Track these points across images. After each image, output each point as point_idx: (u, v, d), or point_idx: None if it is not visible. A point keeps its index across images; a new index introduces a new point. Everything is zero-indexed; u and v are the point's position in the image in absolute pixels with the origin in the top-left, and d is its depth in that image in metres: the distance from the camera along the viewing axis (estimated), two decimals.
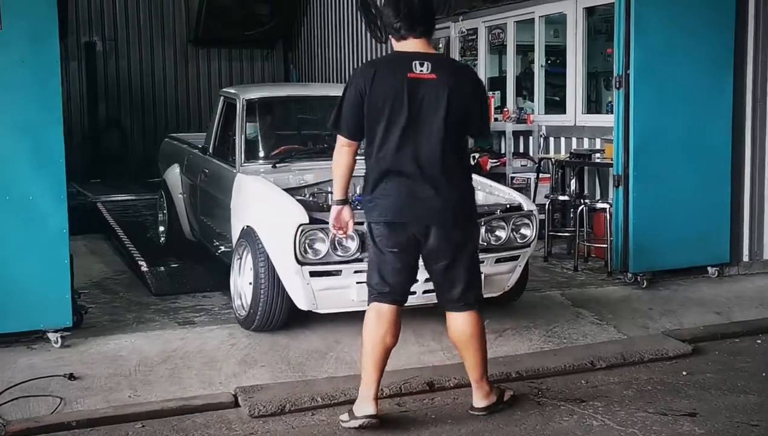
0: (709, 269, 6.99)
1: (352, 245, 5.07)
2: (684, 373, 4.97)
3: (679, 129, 6.62)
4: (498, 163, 9.76)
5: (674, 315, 6.04)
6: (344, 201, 4.23)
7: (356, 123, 4.06)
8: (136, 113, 16.93)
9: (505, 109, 10.14)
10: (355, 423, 4.11)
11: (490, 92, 10.65)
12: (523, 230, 5.52)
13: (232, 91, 7.17)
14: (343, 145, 4.14)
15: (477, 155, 9.98)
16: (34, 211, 4.99)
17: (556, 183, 8.32)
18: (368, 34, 13.53)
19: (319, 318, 5.66)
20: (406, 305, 4.29)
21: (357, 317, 5.69)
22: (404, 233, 4.07)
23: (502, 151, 9.75)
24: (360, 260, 5.04)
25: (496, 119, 10.11)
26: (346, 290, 5.15)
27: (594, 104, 9.78)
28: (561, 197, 7.85)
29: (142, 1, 17.25)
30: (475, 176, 5.86)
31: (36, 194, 5.00)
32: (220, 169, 6.63)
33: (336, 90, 5.22)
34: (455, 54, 11.46)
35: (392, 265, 4.12)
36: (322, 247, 5.04)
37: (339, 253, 5.08)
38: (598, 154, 7.76)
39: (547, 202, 7.91)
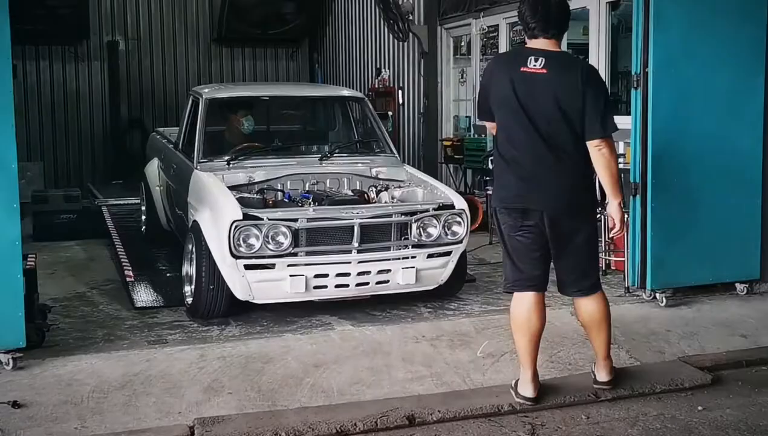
0: (737, 285, 6.38)
1: (285, 240, 5.40)
2: (699, 408, 4.43)
3: (704, 133, 6.02)
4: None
5: (695, 338, 5.47)
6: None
7: (482, 109, 4.46)
8: (158, 113, 16.63)
9: None
10: (515, 399, 4.42)
11: None
12: (454, 228, 5.83)
13: (198, 90, 7.55)
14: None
15: None
16: None
17: None
18: (388, 32, 13.10)
19: (300, 341, 5.23)
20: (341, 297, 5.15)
21: (339, 337, 5.32)
22: (526, 219, 4.28)
23: None
24: (293, 254, 5.46)
25: None
26: (281, 283, 5.47)
27: (625, 105, 9.18)
28: None
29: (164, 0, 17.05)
30: (417, 173, 6.66)
31: None
32: (184, 164, 6.84)
33: (305, 90, 6.12)
34: (476, 52, 10.95)
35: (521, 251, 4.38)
36: (256, 242, 5.36)
37: (271, 247, 5.39)
38: (619, 159, 7.18)
39: None
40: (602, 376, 4.59)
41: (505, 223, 4.37)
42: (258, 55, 17.84)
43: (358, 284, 5.62)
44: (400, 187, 6.44)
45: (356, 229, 5.56)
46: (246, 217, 5.39)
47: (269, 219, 5.43)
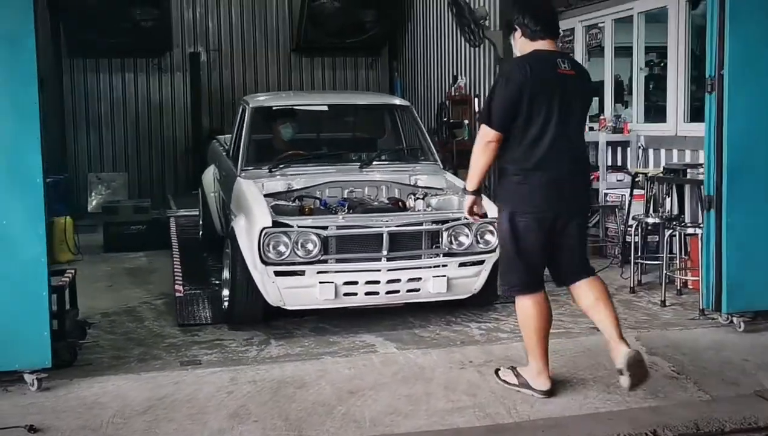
0: None
1: (314, 247, 5.43)
2: None
3: None
4: (591, 178, 8.73)
5: None
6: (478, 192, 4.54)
7: (508, 118, 4.28)
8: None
9: (602, 118, 9.09)
10: (527, 392, 4.51)
11: None
12: (486, 236, 5.74)
13: (247, 98, 7.69)
14: (491, 141, 4.31)
15: None
16: (6, 238, 4.42)
17: (649, 202, 7.23)
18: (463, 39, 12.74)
19: (338, 365, 4.93)
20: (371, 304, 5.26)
21: (380, 361, 5.01)
22: (552, 222, 4.39)
23: (598, 165, 8.72)
24: (323, 262, 5.49)
25: (591, 129, 9.08)
26: (311, 289, 5.48)
27: None
28: (649, 220, 6.76)
29: (245, 10, 17.14)
30: (456, 181, 6.53)
31: (9, 219, 4.43)
32: (231, 172, 6.91)
33: (351, 98, 6.56)
34: None
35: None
36: (285, 249, 5.39)
37: (300, 254, 5.41)
38: (697, 170, 6.65)
39: (634, 225, 6.85)
40: (625, 352, 4.37)
41: (527, 228, 4.38)
42: (337, 65, 17.73)
43: (388, 292, 5.61)
44: (436, 195, 6.32)
45: (385, 237, 5.55)
46: (276, 224, 5.43)
47: (299, 226, 5.46)
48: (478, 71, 12.76)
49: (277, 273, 5.43)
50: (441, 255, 5.72)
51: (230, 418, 4.25)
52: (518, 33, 4.49)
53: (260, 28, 17.25)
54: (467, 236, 5.71)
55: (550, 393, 4.47)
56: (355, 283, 5.54)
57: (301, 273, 5.47)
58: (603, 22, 9.28)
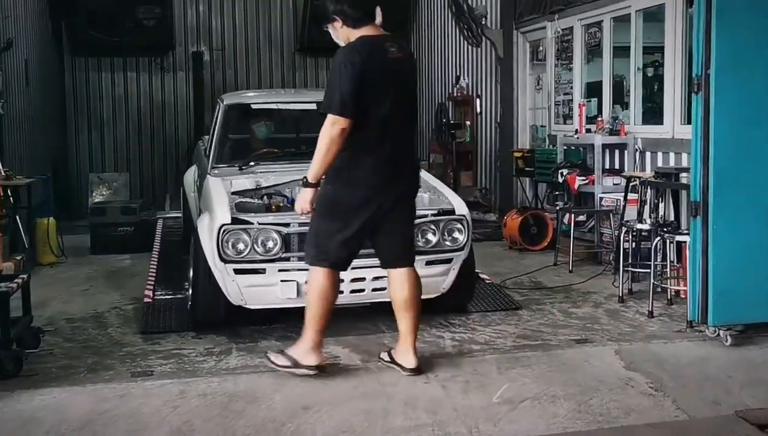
0: None
1: (274, 245, 5.35)
2: None
3: None
4: (587, 182, 8.46)
5: (760, 386, 4.60)
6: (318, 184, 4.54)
7: (356, 103, 4.36)
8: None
9: (599, 119, 8.80)
10: (300, 372, 4.60)
11: (588, 99, 9.38)
12: (455, 234, 5.65)
13: (224, 96, 7.70)
14: (343, 128, 4.35)
15: (565, 172, 8.75)
16: None
17: (643, 206, 6.93)
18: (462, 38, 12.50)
19: (297, 377, 4.67)
20: (336, 304, 4.76)
21: (341, 375, 4.75)
22: (381, 202, 4.54)
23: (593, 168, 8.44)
24: (284, 260, 5.37)
25: (588, 130, 8.80)
26: (272, 288, 5.39)
27: None
28: (639, 226, 6.46)
29: (249, 9, 16.99)
30: (430, 179, 6.42)
31: None
32: (204, 170, 6.83)
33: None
34: (550, 57, 10.19)
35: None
36: (244, 246, 5.30)
37: (260, 252, 5.33)
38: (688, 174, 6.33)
39: (622, 231, 6.55)
40: (411, 362, 4.68)
41: (351, 203, 4.48)
42: None
43: (353, 291, 5.47)
44: None
45: None
46: (235, 221, 5.35)
47: (259, 224, 5.38)
48: (479, 71, 12.49)
49: (237, 271, 5.34)
50: None
51: (171, 435, 4.01)
52: (338, 23, 4.53)
53: (264, 27, 17.08)
54: (434, 233, 5.61)
55: (319, 368, 4.61)
56: None
57: (262, 271, 5.38)
58: (602, 21, 8.98)
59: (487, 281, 6.90)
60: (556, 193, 9.16)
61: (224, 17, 16.93)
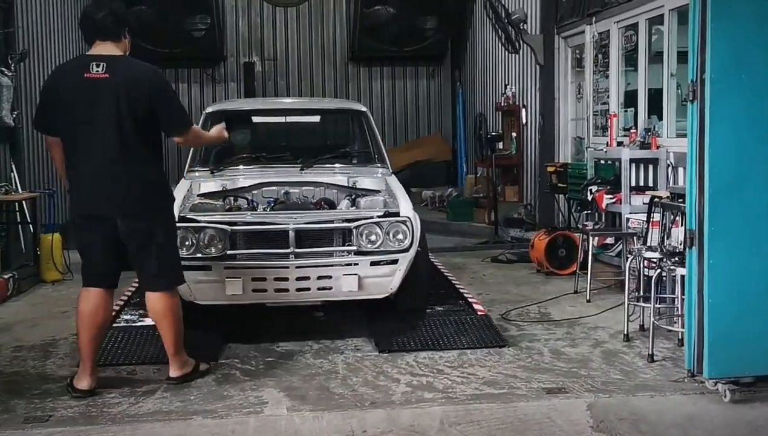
0: None
1: (220, 243, 5.54)
2: None
3: None
4: (614, 200, 7.62)
5: None
6: None
7: (42, 120, 4.70)
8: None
9: (632, 131, 7.95)
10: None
11: (625, 109, 8.55)
12: (399, 236, 5.70)
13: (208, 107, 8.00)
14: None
15: (594, 189, 7.93)
16: None
17: (663, 231, 6.07)
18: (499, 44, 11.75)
19: (205, 429, 4.09)
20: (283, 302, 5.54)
21: (255, 426, 4.14)
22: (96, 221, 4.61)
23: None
24: (230, 257, 5.56)
25: (620, 143, 7.96)
26: (219, 285, 5.55)
27: None
28: (646, 254, 5.61)
29: (302, 18, 16.69)
30: (394, 185, 6.47)
31: None
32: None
33: (306, 104, 6.95)
34: (589, 62, 9.37)
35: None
36: (191, 244, 5.51)
37: (207, 249, 5.54)
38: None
39: (629, 260, 5.73)
40: (172, 372, 4.81)
41: (81, 226, 4.66)
42: (396, 75, 17.00)
43: (298, 290, 5.63)
44: (365, 196, 6.42)
45: (291, 234, 5.59)
46: (183, 219, 5.52)
47: (206, 222, 5.58)
48: (522, 80, 11.73)
49: (186, 268, 5.27)
50: (352, 253, 5.68)
51: None
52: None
53: (316, 37, 16.73)
54: (378, 234, 5.66)
55: (88, 393, 4.59)
56: (264, 279, 5.59)
57: (208, 268, 5.53)
58: (637, 23, 8.14)
59: (479, 313, 6.15)
60: (586, 212, 8.32)
61: (276, 27, 16.66)
